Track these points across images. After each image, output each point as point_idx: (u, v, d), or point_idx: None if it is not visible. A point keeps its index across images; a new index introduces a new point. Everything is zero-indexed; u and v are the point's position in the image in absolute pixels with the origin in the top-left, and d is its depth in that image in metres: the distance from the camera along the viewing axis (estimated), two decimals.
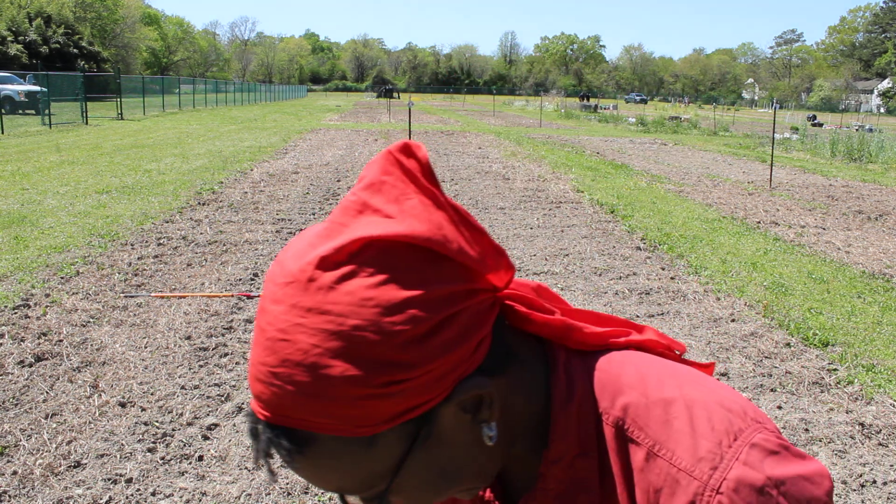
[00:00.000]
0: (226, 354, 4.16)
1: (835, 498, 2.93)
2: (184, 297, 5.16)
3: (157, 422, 3.34)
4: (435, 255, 0.51)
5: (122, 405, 3.50)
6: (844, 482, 3.05)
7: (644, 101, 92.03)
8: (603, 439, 0.58)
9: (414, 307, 0.49)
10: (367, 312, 0.48)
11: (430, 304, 0.50)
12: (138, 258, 6.13)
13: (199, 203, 8.85)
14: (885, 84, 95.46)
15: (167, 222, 7.65)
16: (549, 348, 0.63)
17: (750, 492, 0.52)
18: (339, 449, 0.51)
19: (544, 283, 0.66)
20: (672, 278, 6.12)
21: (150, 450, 3.10)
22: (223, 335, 4.45)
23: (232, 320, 4.70)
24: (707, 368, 0.69)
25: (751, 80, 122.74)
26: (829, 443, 3.38)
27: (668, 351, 0.67)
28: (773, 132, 13.56)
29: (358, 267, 0.50)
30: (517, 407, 0.60)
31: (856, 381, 4.10)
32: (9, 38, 46.78)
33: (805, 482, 0.53)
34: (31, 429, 3.25)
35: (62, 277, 5.50)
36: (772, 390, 3.94)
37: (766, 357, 4.42)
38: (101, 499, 2.75)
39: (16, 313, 4.68)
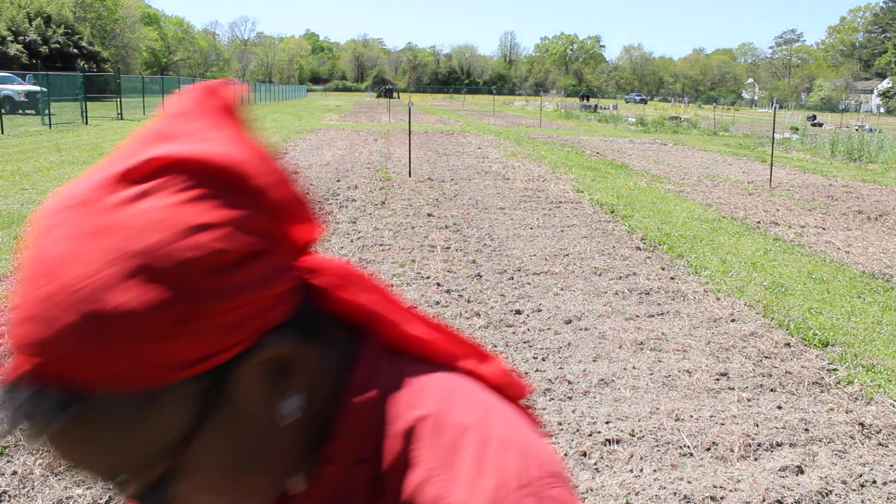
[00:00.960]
0: None
1: (835, 498, 2.93)
2: None
3: None
4: (234, 187, 0.45)
5: None
6: (844, 482, 3.05)
7: (644, 101, 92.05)
8: (384, 450, 0.53)
9: (212, 234, 0.43)
10: (160, 235, 0.42)
11: (229, 234, 0.44)
12: None
13: None
14: (885, 84, 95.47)
15: None
16: (358, 339, 0.57)
17: None
18: (113, 408, 0.42)
19: (368, 274, 0.58)
20: (672, 278, 6.12)
21: None
22: None
23: None
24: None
25: (751, 80, 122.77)
26: (829, 443, 3.38)
27: (502, 387, 0.60)
28: (773, 132, 13.57)
29: (152, 188, 0.43)
30: (316, 391, 0.54)
31: (856, 381, 4.10)
32: (9, 38, 46.78)
33: None
34: None
35: None
36: (772, 390, 3.94)
37: (766, 357, 4.42)
38: (101, 499, 2.75)
39: None
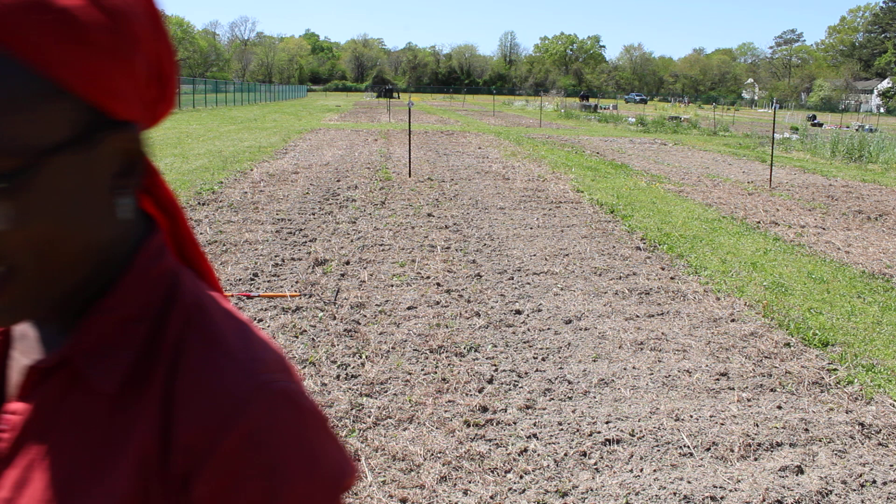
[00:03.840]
0: None
1: (835, 498, 2.93)
2: None
3: None
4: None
5: None
6: (844, 482, 3.05)
7: (644, 101, 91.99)
8: (166, 316, 0.56)
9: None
10: None
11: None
12: None
13: (199, 203, 8.85)
14: (885, 84, 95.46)
15: None
16: (158, 219, 0.61)
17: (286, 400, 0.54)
18: (22, 79, 0.46)
19: None
20: (672, 278, 6.12)
21: None
22: None
23: None
24: None
25: (751, 80, 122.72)
26: (829, 443, 3.38)
27: None
28: (773, 132, 13.57)
29: None
30: (125, 234, 0.56)
31: (856, 381, 4.10)
32: None
33: None
34: None
35: None
36: (772, 390, 3.94)
37: (766, 357, 4.42)
38: None
39: None
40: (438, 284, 5.69)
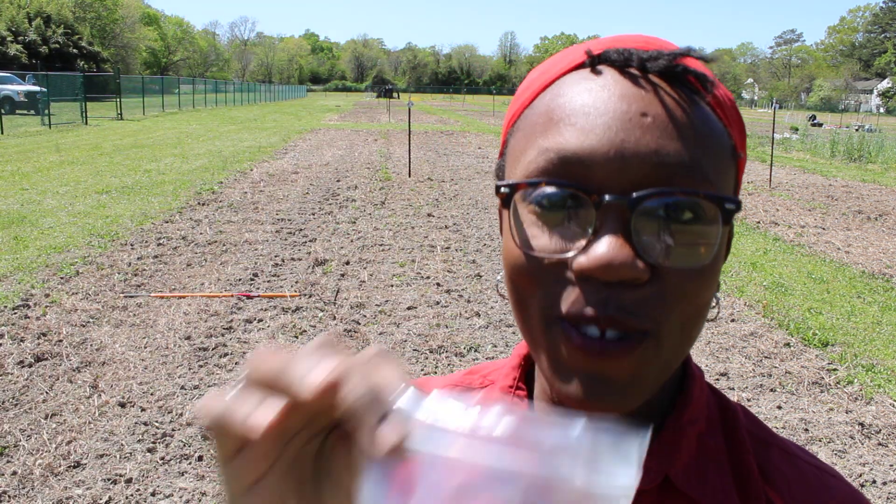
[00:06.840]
0: (225, 354, 4.16)
1: None
2: (184, 297, 5.16)
3: (156, 422, 3.34)
4: None
5: (122, 405, 3.50)
6: None
7: None
8: (734, 429, 0.57)
9: None
10: None
11: None
12: (138, 258, 6.13)
13: (199, 203, 8.85)
14: (885, 84, 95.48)
15: (167, 222, 7.65)
16: None
17: None
18: (713, 125, 0.47)
19: None
20: None
21: (149, 450, 3.10)
22: (223, 335, 4.45)
23: (232, 320, 4.70)
24: None
25: (750, 80, 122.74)
26: (829, 443, 3.38)
27: None
28: (773, 132, 13.57)
29: None
30: None
31: (856, 381, 4.10)
32: (9, 38, 46.77)
33: None
34: (31, 429, 3.26)
35: (62, 277, 5.50)
36: (772, 390, 3.94)
37: (766, 357, 4.42)
38: (101, 499, 2.75)
39: (16, 313, 4.68)
40: (438, 284, 5.69)
